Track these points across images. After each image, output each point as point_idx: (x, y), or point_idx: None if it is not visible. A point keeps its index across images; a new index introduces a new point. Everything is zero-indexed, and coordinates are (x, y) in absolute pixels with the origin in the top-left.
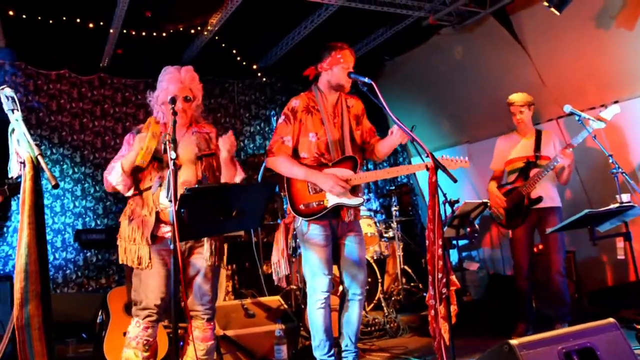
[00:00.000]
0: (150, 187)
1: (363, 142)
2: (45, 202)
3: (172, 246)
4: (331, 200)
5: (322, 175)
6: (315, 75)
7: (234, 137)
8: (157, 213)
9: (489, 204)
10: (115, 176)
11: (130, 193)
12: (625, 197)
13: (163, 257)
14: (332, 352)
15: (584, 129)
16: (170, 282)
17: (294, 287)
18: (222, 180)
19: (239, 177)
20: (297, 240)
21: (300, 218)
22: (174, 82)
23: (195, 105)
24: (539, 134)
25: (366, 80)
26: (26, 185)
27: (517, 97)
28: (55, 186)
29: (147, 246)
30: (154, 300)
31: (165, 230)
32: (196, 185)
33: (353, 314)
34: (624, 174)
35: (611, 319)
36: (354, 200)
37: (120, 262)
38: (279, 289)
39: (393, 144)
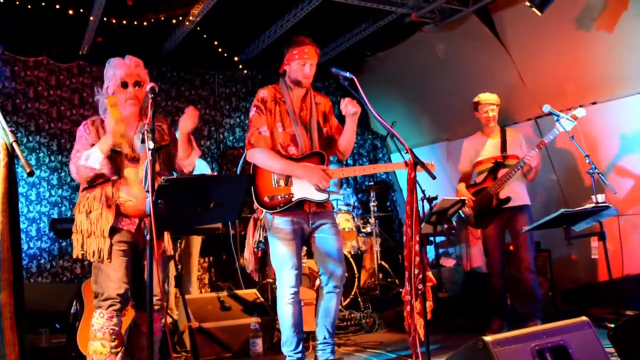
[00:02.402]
0: (108, 180)
1: (330, 138)
2: (21, 190)
3: (148, 237)
4: (297, 194)
5: (308, 169)
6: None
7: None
8: (117, 206)
9: (466, 201)
10: (96, 160)
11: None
12: (600, 197)
13: (123, 248)
14: (299, 348)
15: (556, 127)
16: (130, 272)
17: (271, 280)
18: (179, 160)
19: (195, 156)
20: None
21: (265, 211)
22: (120, 67)
23: (145, 91)
24: (504, 133)
25: (347, 75)
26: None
27: (487, 96)
28: (30, 174)
29: (107, 239)
30: (116, 290)
31: (126, 223)
32: (164, 178)
33: (330, 306)
34: (600, 175)
35: (584, 317)
36: (319, 196)
37: (75, 257)
38: (256, 283)
39: (349, 128)
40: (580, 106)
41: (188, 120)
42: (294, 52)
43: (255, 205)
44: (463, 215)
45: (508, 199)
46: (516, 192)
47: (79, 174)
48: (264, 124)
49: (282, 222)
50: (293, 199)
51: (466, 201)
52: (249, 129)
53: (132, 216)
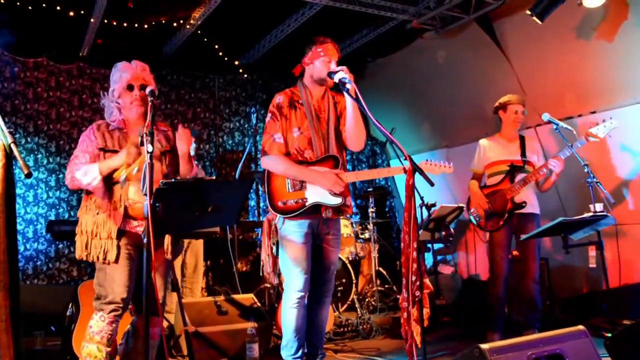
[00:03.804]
0: (117, 182)
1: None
2: (18, 191)
3: (145, 240)
4: (310, 198)
5: (320, 174)
6: (301, 71)
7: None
8: (125, 208)
9: (465, 207)
10: (91, 179)
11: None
12: (598, 207)
13: (129, 251)
14: (299, 353)
15: (574, 139)
16: (134, 277)
17: (268, 285)
18: (181, 176)
19: (195, 173)
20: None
21: (278, 215)
22: (127, 70)
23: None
24: (522, 139)
25: (347, 79)
26: None
27: (516, 96)
28: (28, 175)
29: (114, 240)
30: (121, 294)
31: (134, 225)
32: (162, 181)
33: (320, 315)
34: (598, 184)
35: (580, 326)
36: (334, 200)
37: (79, 258)
38: (253, 287)
39: (349, 111)
40: (579, 115)
41: (181, 143)
42: (319, 49)
43: (269, 208)
44: (472, 217)
45: (524, 204)
46: (529, 200)
47: (71, 182)
48: (278, 130)
49: (294, 226)
50: (307, 204)
51: (470, 205)
52: (263, 134)
53: (140, 218)
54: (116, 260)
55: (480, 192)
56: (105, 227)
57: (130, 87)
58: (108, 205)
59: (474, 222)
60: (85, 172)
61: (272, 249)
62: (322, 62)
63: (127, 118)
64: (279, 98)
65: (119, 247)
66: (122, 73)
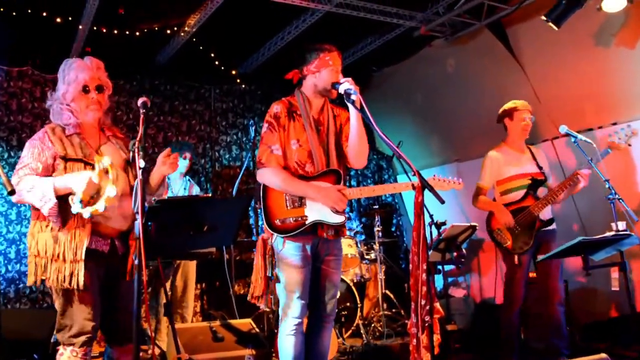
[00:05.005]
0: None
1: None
2: (0, 209)
3: (136, 261)
4: (311, 216)
5: (322, 190)
6: (299, 79)
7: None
8: (92, 223)
9: (477, 227)
10: (45, 204)
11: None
12: (621, 225)
13: (97, 271)
14: None
15: (595, 153)
16: (100, 300)
17: (267, 309)
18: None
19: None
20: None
21: (276, 234)
22: (83, 70)
23: (107, 97)
24: (530, 150)
25: (352, 91)
26: None
27: (523, 102)
28: (11, 192)
29: (82, 261)
30: (91, 322)
31: (100, 243)
32: (154, 199)
33: (321, 342)
34: (620, 201)
35: (603, 354)
36: (335, 218)
37: (30, 284)
38: (251, 312)
39: (353, 125)
40: (600, 127)
41: (167, 167)
42: (327, 58)
43: (265, 226)
44: (497, 240)
45: (552, 220)
46: (550, 215)
47: (18, 198)
48: (276, 141)
49: (292, 248)
50: (307, 222)
51: (477, 227)
52: (260, 145)
53: (106, 234)
54: (86, 285)
55: (506, 209)
56: (71, 247)
57: (85, 90)
58: (73, 219)
59: (501, 244)
60: (41, 194)
61: (265, 271)
62: (330, 72)
63: (81, 122)
64: (277, 107)
65: (87, 269)
66: (78, 73)
